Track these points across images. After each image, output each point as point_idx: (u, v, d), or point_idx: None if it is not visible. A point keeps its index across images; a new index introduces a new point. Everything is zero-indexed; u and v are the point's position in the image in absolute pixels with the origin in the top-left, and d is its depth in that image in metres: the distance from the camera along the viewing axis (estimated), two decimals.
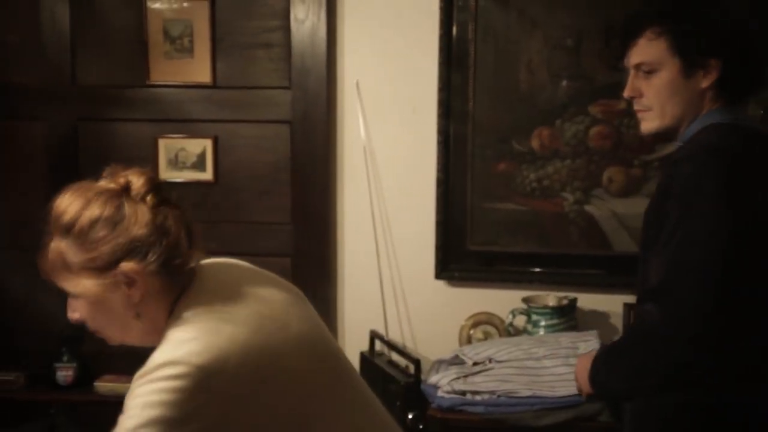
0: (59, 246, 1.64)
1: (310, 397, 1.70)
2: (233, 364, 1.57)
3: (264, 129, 3.32)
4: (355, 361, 3.29)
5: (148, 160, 3.34)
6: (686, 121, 2.12)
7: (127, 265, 1.62)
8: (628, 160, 3.14)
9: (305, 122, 3.26)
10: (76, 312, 1.70)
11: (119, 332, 1.72)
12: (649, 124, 2.17)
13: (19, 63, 3.39)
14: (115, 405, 1.60)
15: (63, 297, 1.72)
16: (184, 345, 1.57)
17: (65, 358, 3.29)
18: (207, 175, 3.34)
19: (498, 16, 3.14)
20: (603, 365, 2.16)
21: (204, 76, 3.31)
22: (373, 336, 3.26)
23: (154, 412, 1.52)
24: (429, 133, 3.22)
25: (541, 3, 3.11)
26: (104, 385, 3.27)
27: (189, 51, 3.31)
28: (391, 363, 3.14)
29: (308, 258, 3.30)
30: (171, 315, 1.66)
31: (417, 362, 2.98)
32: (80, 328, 1.79)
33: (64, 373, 3.30)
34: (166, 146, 3.34)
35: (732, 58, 2.07)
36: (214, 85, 3.31)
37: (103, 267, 1.63)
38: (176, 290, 1.69)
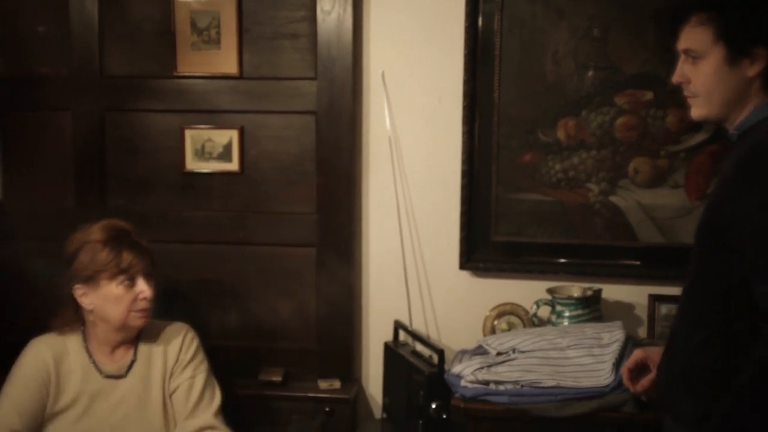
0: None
1: None
2: None
3: (290, 120, 3.33)
4: (379, 351, 3.30)
5: (174, 151, 3.37)
6: (736, 109, 2.08)
7: None
8: (654, 150, 3.12)
9: (331, 113, 3.27)
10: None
11: None
12: (697, 110, 2.14)
13: (47, 54, 3.41)
14: None
15: None
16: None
17: None
18: (233, 165, 3.36)
19: (524, 7, 3.13)
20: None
21: (231, 67, 3.32)
22: (397, 326, 3.27)
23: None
24: (454, 123, 3.22)
25: None
26: None
27: (216, 42, 3.32)
28: (415, 353, 3.14)
29: (333, 248, 3.31)
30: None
31: (441, 352, 2.98)
32: None
33: None
34: (193, 137, 3.36)
35: None
36: (240, 76, 3.31)
37: None
38: None
